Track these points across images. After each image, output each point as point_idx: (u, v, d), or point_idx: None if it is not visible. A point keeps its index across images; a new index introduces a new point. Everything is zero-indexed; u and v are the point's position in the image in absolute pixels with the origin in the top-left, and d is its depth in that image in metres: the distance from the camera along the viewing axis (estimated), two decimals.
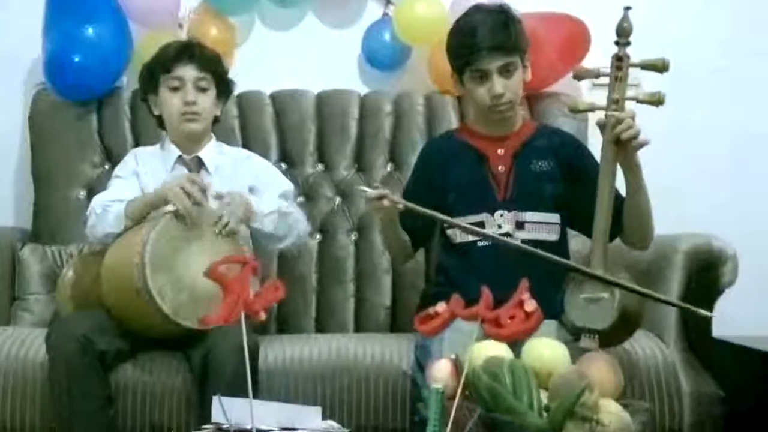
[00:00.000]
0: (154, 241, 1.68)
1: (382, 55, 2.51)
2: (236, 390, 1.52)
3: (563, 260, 1.63)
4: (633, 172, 1.71)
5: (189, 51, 1.97)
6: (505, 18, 1.83)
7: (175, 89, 1.95)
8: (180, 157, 2.01)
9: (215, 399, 1.20)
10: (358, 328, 2.24)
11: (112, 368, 1.72)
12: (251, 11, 2.53)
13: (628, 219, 1.78)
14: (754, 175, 2.52)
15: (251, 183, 1.99)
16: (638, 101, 1.65)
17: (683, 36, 2.47)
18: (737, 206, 2.46)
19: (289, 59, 2.53)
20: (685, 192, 2.42)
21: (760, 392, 1.92)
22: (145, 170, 2.00)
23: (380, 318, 2.24)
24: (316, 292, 2.27)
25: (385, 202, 1.70)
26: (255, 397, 1.64)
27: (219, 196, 1.84)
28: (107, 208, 1.86)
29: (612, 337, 1.58)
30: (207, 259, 1.72)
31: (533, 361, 1.27)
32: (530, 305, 1.10)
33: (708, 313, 1.57)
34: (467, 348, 1.26)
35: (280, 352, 1.82)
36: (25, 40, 2.38)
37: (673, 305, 1.57)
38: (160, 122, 2.03)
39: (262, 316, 1.10)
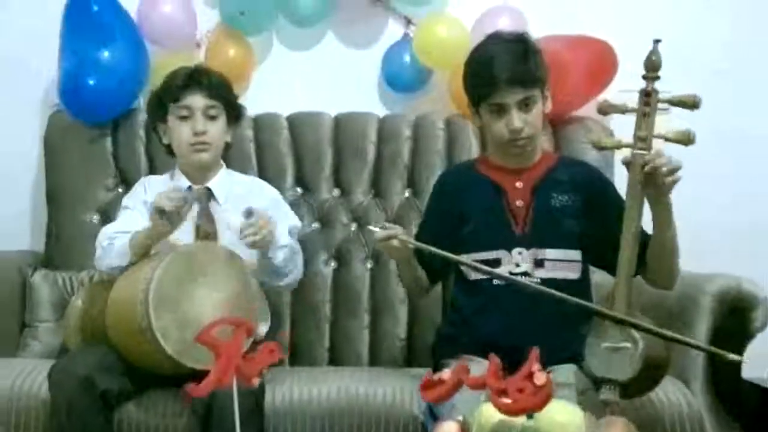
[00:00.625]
0: (159, 278, 1.64)
1: (402, 77, 2.45)
2: None
3: (583, 302, 1.55)
4: (663, 209, 1.63)
5: (197, 79, 1.93)
6: (524, 48, 1.76)
7: (184, 118, 1.91)
8: (189, 187, 1.96)
9: None
10: (373, 360, 2.18)
11: (114, 407, 1.68)
12: (269, 31, 2.49)
13: (655, 258, 1.69)
14: None
15: (252, 208, 1.93)
16: (667, 140, 1.57)
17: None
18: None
19: (307, 80, 2.49)
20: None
21: None
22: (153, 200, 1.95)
23: (395, 351, 2.18)
24: (329, 322, 2.21)
25: (395, 242, 1.64)
26: None
27: (249, 213, 1.79)
28: (113, 241, 1.82)
29: (636, 387, 1.51)
30: (214, 296, 1.70)
31: (546, 426, 1.19)
32: (540, 378, 1.03)
33: (738, 357, 1.47)
34: (475, 408, 1.18)
35: (288, 391, 1.76)
36: (44, 61, 2.35)
37: (701, 349, 1.49)
38: (170, 151, 1.99)
39: (255, 383, 1.04)
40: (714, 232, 2.29)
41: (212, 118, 1.92)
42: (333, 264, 2.27)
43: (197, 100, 1.91)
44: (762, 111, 2.46)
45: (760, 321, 1.72)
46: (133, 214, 1.92)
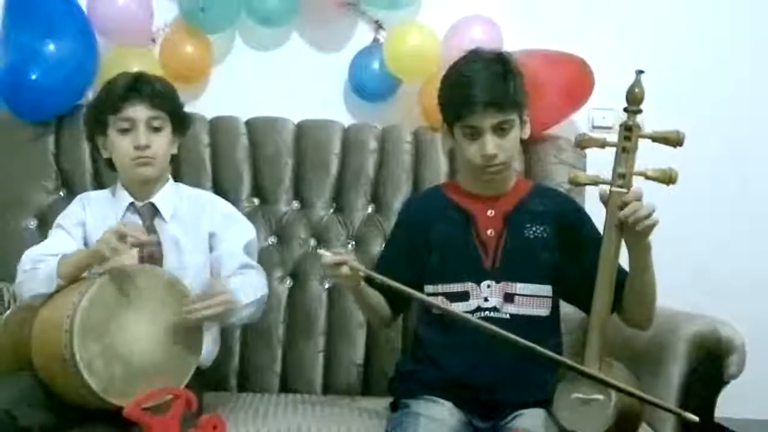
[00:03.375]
0: (86, 306, 1.48)
1: (370, 84, 2.33)
2: None
3: (554, 355, 1.45)
4: (641, 252, 1.54)
5: (139, 88, 1.77)
6: (504, 70, 1.65)
7: (125, 131, 1.76)
8: (132, 204, 1.81)
9: None
10: (327, 387, 2.06)
11: None
12: (230, 28, 2.35)
13: (632, 299, 1.60)
14: None
15: (212, 229, 1.80)
16: (647, 177, 1.48)
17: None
18: None
19: (269, 83, 2.36)
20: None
21: None
22: (93, 219, 1.80)
23: (351, 377, 2.06)
24: (282, 345, 2.09)
25: (345, 269, 1.52)
26: None
27: (204, 295, 1.61)
28: (37, 265, 1.66)
29: None
30: (149, 327, 1.56)
31: None
32: None
33: (695, 418, 1.41)
34: None
35: (231, 427, 1.62)
36: None
37: (669, 411, 1.40)
38: (111, 165, 1.84)
39: None
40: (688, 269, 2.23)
41: (156, 130, 1.78)
42: (288, 282, 2.14)
43: (139, 112, 1.76)
44: (744, 141, 2.40)
45: (735, 367, 1.65)
46: (65, 237, 1.76)
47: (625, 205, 1.47)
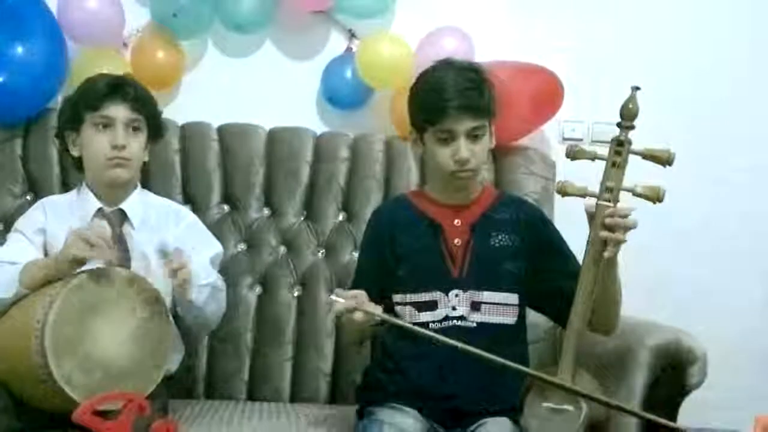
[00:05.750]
0: (53, 322, 1.45)
1: (342, 93, 2.34)
2: None
3: (523, 368, 1.46)
4: (610, 262, 1.54)
5: (122, 89, 1.75)
6: (478, 78, 1.67)
7: (102, 129, 1.74)
8: (100, 209, 1.79)
9: None
10: (294, 395, 2.05)
11: None
12: (203, 34, 2.34)
13: (598, 306, 1.61)
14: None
15: (177, 242, 1.76)
16: (635, 194, 1.48)
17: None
18: None
19: (242, 90, 2.35)
20: None
21: None
22: (55, 225, 1.76)
23: (319, 386, 2.06)
24: (250, 352, 2.07)
25: (358, 315, 1.49)
26: None
27: (163, 253, 1.62)
28: None
29: None
30: (117, 330, 1.54)
31: None
32: None
33: (677, 426, 1.42)
34: None
35: None
36: None
37: (642, 418, 1.40)
38: (79, 164, 1.81)
39: None
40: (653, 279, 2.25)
41: (134, 132, 1.76)
42: (258, 289, 2.13)
43: (120, 111, 1.74)
44: (724, 153, 2.43)
45: (697, 377, 1.67)
46: (25, 244, 1.73)
47: (610, 216, 1.46)
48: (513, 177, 2.26)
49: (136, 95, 1.76)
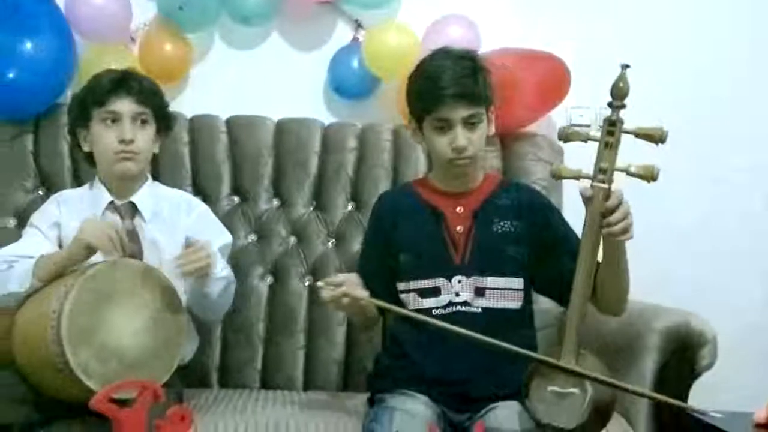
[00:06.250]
0: (69, 312, 1.48)
1: (349, 83, 2.34)
2: None
3: (525, 351, 1.46)
4: (617, 244, 1.54)
5: (127, 83, 1.77)
6: (473, 65, 1.68)
7: (110, 124, 1.76)
8: (111, 202, 1.81)
9: None
10: (307, 383, 2.07)
11: None
12: (210, 27, 2.35)
13: (606, 287, 1.62)
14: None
15: (188, 232, 1.78)
16: (629, 174, 1.47)
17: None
18: None
19: (249, 81, 2.36)
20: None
21: None
22: (69, 219, 1.78)
23: (331, 374, 2.07)
24: (263, 341, 2.09)
25: (345, 300, 1.54)
26: None
27: (190, 243, 1.65)
28: (12, 264, 1.65)
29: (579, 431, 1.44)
30: (132, 319, 1.57)
31: None
32: None
33: (686, 405, 1.42)
34: None
35: (211, 427, 1.63)
36: None
37: (651, 398, 1.41)
38: (91, 159, 1.83)
39: None
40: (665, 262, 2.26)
41: (141, 126, 1.78)
42: (269, 279, 2.15)
43: (126, 106, 1.76)
44: (724, 140, 2.43)
45: (707, 360, 1.67)
46: (40, 239, 1.75)
47: (606, 197, 1.46)
48: (521, 164, 2.27)
49: (141, 88, 1.77)
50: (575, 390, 1.38)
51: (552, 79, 2.32)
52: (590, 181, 1.48)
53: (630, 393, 1.40)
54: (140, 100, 1.77)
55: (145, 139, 1.78)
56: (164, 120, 1.85)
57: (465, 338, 1.49)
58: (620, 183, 1.51)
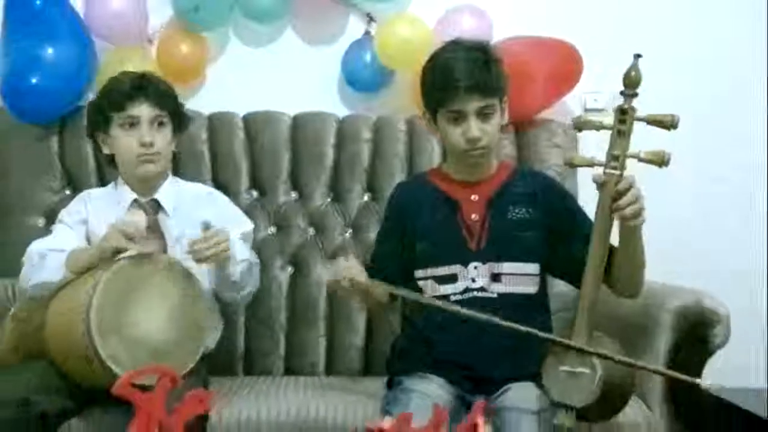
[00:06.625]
0: (97, 305, 1.55)
1: (363, 76, 2.38)
2: None
3: (537, 332, 1.50)
4: (632, 228, 1.57)
5: (144, 87, 1.83)
6: (485, 57, 1.70)
7: (129, 129, 1.83)
8: (135, 200, 1.88)
9: None
10: (330, 369, 2.12)
11: (55, 427, 1.60)
12: (225, 26, 2.40)
13: (621, 270, 1.64)
14: None
15: (213, 222, 1.85)
16: (640, 160, 1.51)
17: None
18: None
19: (265, 78, 2.41)
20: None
21: None
22: (96, 216, 1.86)
23: (353, 360, 2.13)
24: (285, 330, 2.15)
25: (345, 283, 1.60)
26: None
27: (206, 226, 1.70)
28: (45, 257, 1.73)
29: (598, 412, 1.48)
30: (158, 310, 1.63)
31: None
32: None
33: (698, 381, 1.44)
34: None
35: (236, 410, 1.69)
36: None
37: (661, 374, 1.44)
38: (112, 161, 1.90)
39: None
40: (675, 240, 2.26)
41: (159, 128, 1.84)
42: (289, 270, 2.20)
43: (144, 110, 1.82)
44: (733, 124, 2.43)
45: (720, 338, 1.69)
46: (68, 233, 1.83)
47: (618, 193, 1.49)
48: (536, 150, 2.29)
49: (158, 92, 1.84)
50: (586, 370, 1.41)
51: (565, 66, 2.33)
52: (603, 168, 1.51)
53: (638, 369, 1.42)
54: (157, 103, 1.83)
55: (163, 140, 1.84)
56: (180, 120, 1.91)
57: (470, 319, 1.54)
58: (634, 170, 1.55)
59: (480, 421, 0.99)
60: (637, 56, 1.51)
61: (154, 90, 1.83)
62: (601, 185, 1.51)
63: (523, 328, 1.48)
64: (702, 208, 2.44)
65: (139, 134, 1.81)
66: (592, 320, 1.47)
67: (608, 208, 1.50)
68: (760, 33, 2.45)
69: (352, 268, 1.63)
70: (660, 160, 1.47)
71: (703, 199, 2.44)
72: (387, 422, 1.02)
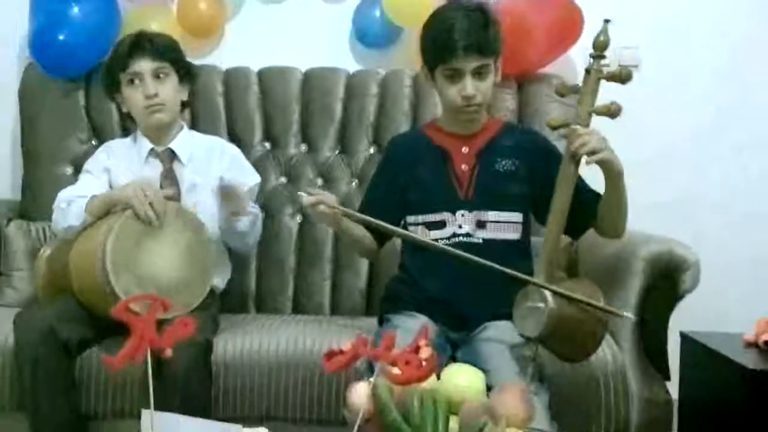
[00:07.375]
0: (113, 244, 1.72)
1: (372, 32, 2.48)
2: (188, 388, 1.59)
3: (494, 265, 1.61)
4: (612, 176, 1.69)
5: (141, 44, 1.96)
6: (484, 18, 1.79)
7: (135, 84, 1.97)
8: (152, 149, 2.03)
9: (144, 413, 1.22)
10: (334, 309, 2.27)
11: (76, 354, 1.79)
12: None
13: (606, 214, 1.77)
14: None
15: (222, 173, 1.97)
16: (594, 113, 1.63)
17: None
18: None
19: (279, 34, 2.52)
20: None
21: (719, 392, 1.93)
22: (117, 164, 2.02)
23: (356, 301, 2.27)
24: (294, 273, 2.30)
25: (322, 208, 1.70)
26: (208, 394, 1.72)
27: (226, 186, 1.86)
28: (71, 203, 1.90)
29: (570, 352, 1.61)
30: (168, 252, 1.80)
31: (450, 387, 1.29)
32: (425, 352, 1.10)
33: (626, 314, 1.61)
34: None
35: (239, 342, 1.86)
36: (19, 16, 2.38)
37: (594, 307, 1.56)
38: (130, 117, 2.05)
39: (168, 353, 1.13)
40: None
41: (162, 79, 1.97)
42: (298, 218, 2.34)
43: (144, 64, 1.96)
44: (718, 73, 2.49)
45: (689, 283, 1.79)
46: (94, 180, 2.00)
47: (574, 135, 1.62)
48: (536, 105, 2.37)
49: (155, 45, 1.97)
50: (541, 304, 1.54)
51: (565, 21, 2.39)
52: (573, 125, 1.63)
53: (576, 302, 1.55)
54: (156, 56, 1.96)
55: (167, 90, 1.98)
56: (184, 69, 2.03)
57: (452, 256, 1.67)
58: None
59: (422, 342, 1.11)
60: (607, 21, 1.61)
61: (150, 44, 1.96)
62: (566, 137, 1.61)
63: (496, 266, 1.60)
64: None
65: (144, 87, 1.95)
66: (553, 260, 1.59)
67: (570, 158, 1.63)
68: None
69: (325, 194, 1.75)
70: (608, 111, 1.60)
71: None
72: (346, 345, 1.15)
